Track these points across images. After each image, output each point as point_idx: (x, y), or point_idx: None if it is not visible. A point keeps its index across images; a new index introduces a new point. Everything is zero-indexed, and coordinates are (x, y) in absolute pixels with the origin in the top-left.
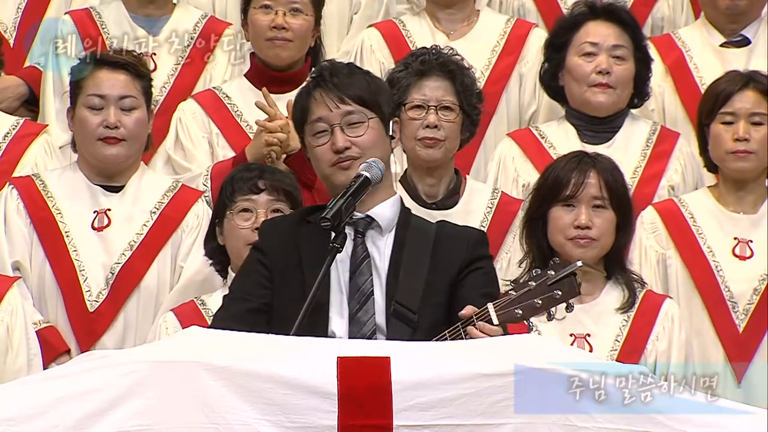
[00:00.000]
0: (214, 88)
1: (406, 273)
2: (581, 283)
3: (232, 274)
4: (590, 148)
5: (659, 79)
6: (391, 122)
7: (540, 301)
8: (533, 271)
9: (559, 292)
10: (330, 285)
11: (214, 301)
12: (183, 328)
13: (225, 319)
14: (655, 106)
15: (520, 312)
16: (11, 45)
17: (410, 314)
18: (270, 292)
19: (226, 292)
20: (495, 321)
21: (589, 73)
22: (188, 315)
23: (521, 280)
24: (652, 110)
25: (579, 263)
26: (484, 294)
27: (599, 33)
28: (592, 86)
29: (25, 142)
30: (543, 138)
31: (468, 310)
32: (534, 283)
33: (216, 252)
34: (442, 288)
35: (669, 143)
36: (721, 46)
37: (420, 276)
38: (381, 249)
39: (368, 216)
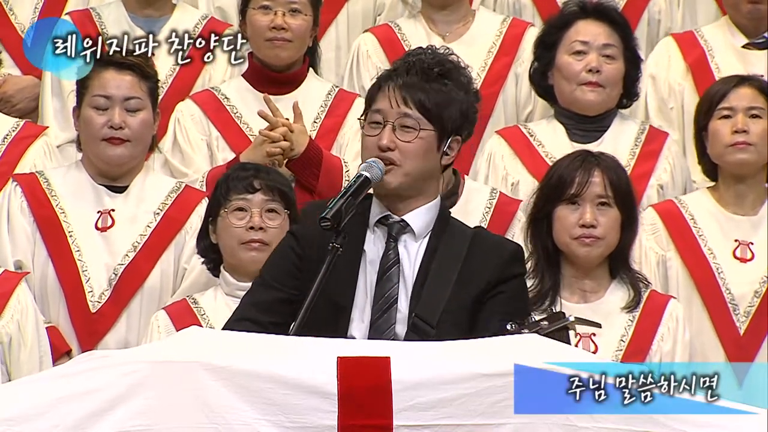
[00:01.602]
0: (212, 88)
1: (432, 285)
2: (575, 335)
3: (224, 273)
4: (579, 147)
5: (679, 77)
6: (450, 139)
7: None
8: (529, 317)
9: None
10: (356, 287)
11: (206, 300)
12: (175, 327)
13: (252, 306)
14: (674, 103)
15: None
16: (29, 45)
17: (428, 328)
18: (299, 283)
19: (218, 290)
20: None
21: (579, 72)
22: (180, 313)
23: (515, 326)
24: (671, 108)
25: (571, 318)
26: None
27: (590, 32)
28: (581, 84)
29: (25, 144)
30: (532, 136)
31: None
32: (527, 332)
33: (208, 250)
34: (466, 305)
35: (658, 143)
36: (743, 47)
37: (445, 290)
38: (412, 255)
39: (403, 220)
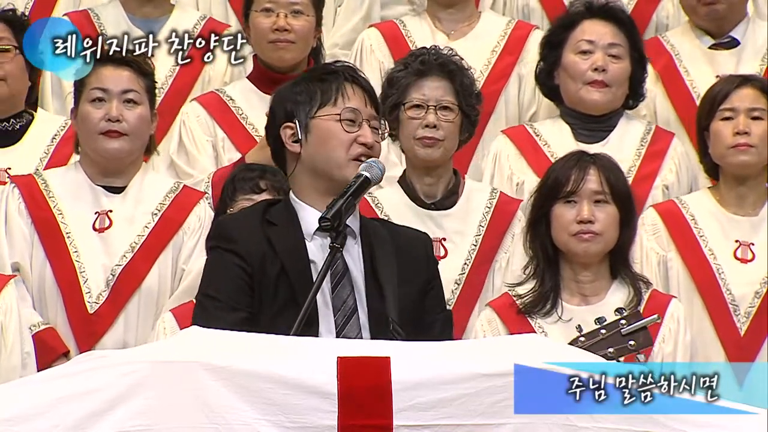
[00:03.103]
0: (217, 90)
1: (386, 287)
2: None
3: None
4: (585, 147)
5: (650, 84)
6: None
7: (613, 350)
8: (600, 318)
9: (633, 343)
10: (316, 300)
11: None
12: (181, 328)
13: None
14: (646, 111)
15: None
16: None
17: (400, 330)
18: (253, 301)
19: None
20: None
21: (585, 71)
22: (187, 315)
23: (593, 330)
24: (644, 115)
25: (656, 317)
26: (445, 318)
27: (596, 31)
28: (587, 84)
29: (72, 144)
30: (537, 136)
31: None
32: (605, 332)
33: None
34: (413, 302)
35: (663, 143)
36: (710, 48)
37: (394, 288)
38: (355, 258)
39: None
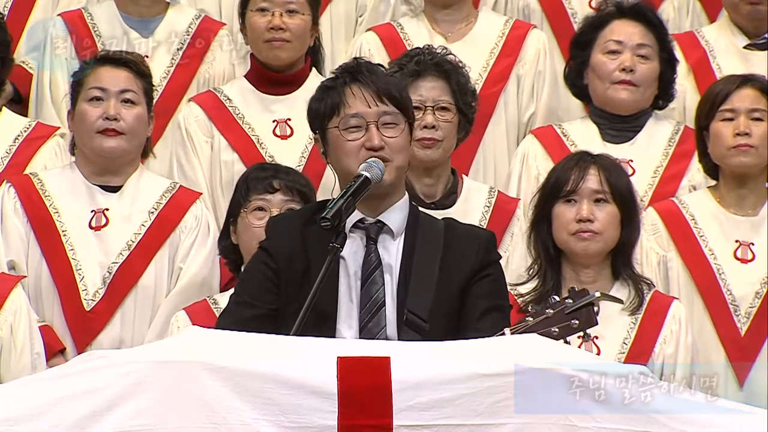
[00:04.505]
0: (214, 89)
1: (417, 280)
2: (599, 312)
3: None
4: (612, 147)
5: (681, 77)
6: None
7: (557, 330)
8: (551, 298)
9: (576, 322)
10: (339, 294)
11: (225, 301)
12: None
13: (231, 325)
14: (675, 105)
15: None
16: None
17: (421, 323)
18: (277, 298)
19: None
20: None
21: (613, 71)
22: (200, 314)
23: (537, 308)
24: (673, 109)
25: (597, 293)
26: (489, 307)
27: (624, 31)
28: (615, 83)
29: (36, 144)
30: (565, 136)
31: None
32: (551, 311)
33: (229, 250)
34: (453, 296)
35: (692, 142)
36: (744, 47)
37: (430, 283)
38: (392, 256)
39: (379, 221)
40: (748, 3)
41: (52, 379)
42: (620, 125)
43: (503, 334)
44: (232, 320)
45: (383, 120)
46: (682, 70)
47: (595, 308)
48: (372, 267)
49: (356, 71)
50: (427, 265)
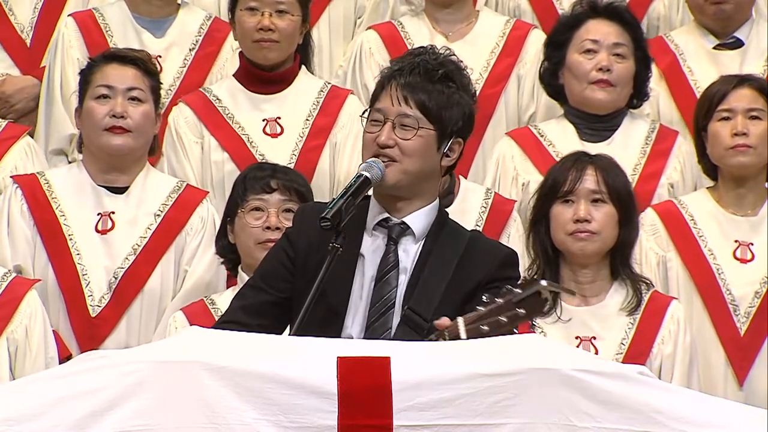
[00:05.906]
0: (204, 89)
1: (425, 282)
2: (548, 301)
3: (242, 273)
4: (589, 146)
5: (653, 83)
6: (451, 140)
7: (505, 319)
8: (505, 287)
9: (523, 311)
10: (351, 291)
11: (223, 301)
12: None
13: (239, 309)
14: (650, 110)
15: (487, 328)
16: (28, 45)
17: (422, 321)
18: (291, 286)
19: (235, 291)
20: (463, 336)
21: (590, 71)
22: (198, 314)
23: (490, 298)
24: (647, 114)
25: (543, 282)
26: None
27: (600, 31)
28: (592, 83)
29: (6, 145)
30: (542, 136)
31: (443, 321)
32: (501, 300)
33: (226, 250)
34: (456, 304)
35: (668, 141)
36: (714, 48)
37: (439, 286)
38: (411, 258)
39: (403, 222)
40: (712, 3)
41: (52, 379)
42: (597, 124)
43: (456, 323)
44: (238, 304)
45: (401, 121)
46: (654, 75)
47: (544, 296)
48: (389, 267)
49: (399, 69)
50: (441, 268)
